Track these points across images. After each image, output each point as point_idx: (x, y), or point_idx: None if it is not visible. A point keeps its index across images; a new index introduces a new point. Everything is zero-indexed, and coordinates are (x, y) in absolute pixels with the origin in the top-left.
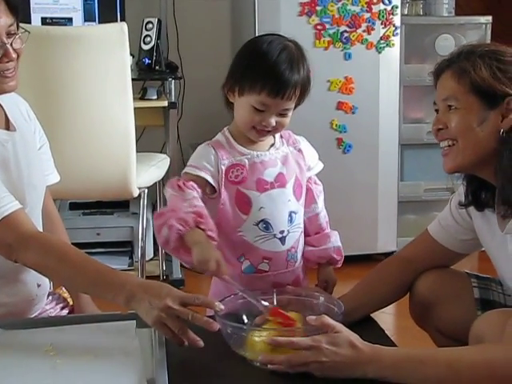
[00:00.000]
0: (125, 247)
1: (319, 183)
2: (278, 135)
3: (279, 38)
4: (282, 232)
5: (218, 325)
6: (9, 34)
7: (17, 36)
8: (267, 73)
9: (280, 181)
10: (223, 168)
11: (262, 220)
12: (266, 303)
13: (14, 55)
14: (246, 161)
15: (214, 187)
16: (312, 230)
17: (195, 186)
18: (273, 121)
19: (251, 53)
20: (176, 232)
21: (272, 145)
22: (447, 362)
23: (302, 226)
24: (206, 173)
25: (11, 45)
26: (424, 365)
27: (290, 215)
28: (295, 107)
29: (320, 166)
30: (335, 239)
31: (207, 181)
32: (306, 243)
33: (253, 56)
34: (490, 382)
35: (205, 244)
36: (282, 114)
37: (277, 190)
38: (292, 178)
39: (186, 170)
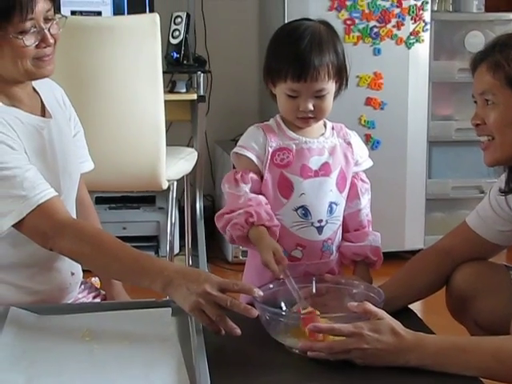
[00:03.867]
0: (151, 242)
1: (367, 181)
2: (329, 126)
3: (305, 23)
4: (320, 221)
5: (257, 311)
6: (46, 20)
7: (54, 21)
8: (287, 58)
9: (324, 170)
10: (270, 150)
11: (301, 206)
12: (306, 305)
13: (52, 40)
14: (294, 146)
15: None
16: (352, 227)
17: (250, 175)
18: (309, 105)
19: (275, 41)
20: (236, 237)
21: (322, 134)
22: (491, 350)
23: (341, 219)
24: (252, 153)
25: (49, 30)
26: (467, 353)
27: (331, 205)
28: (339, 90)
29: (369, 162)
30: (374, 239)
31: (253, 161)
32: (343, 239)
33: (276, 44)
34: None
35: (264, 243)
36: (318, 97)
37: (320, 179)
38: (337, 169)
39: (235, 150)
